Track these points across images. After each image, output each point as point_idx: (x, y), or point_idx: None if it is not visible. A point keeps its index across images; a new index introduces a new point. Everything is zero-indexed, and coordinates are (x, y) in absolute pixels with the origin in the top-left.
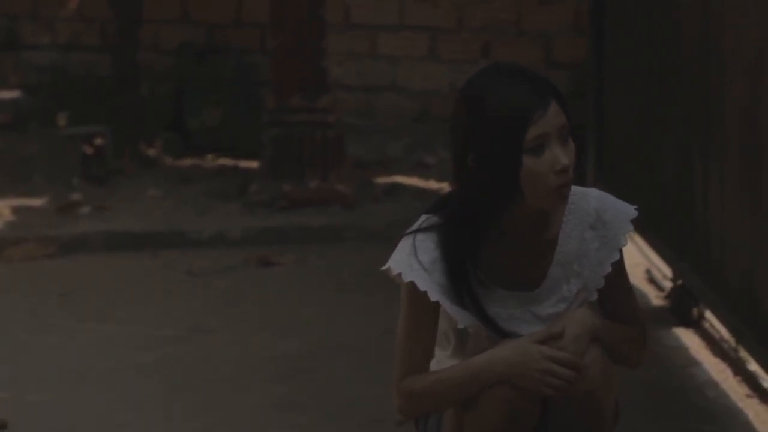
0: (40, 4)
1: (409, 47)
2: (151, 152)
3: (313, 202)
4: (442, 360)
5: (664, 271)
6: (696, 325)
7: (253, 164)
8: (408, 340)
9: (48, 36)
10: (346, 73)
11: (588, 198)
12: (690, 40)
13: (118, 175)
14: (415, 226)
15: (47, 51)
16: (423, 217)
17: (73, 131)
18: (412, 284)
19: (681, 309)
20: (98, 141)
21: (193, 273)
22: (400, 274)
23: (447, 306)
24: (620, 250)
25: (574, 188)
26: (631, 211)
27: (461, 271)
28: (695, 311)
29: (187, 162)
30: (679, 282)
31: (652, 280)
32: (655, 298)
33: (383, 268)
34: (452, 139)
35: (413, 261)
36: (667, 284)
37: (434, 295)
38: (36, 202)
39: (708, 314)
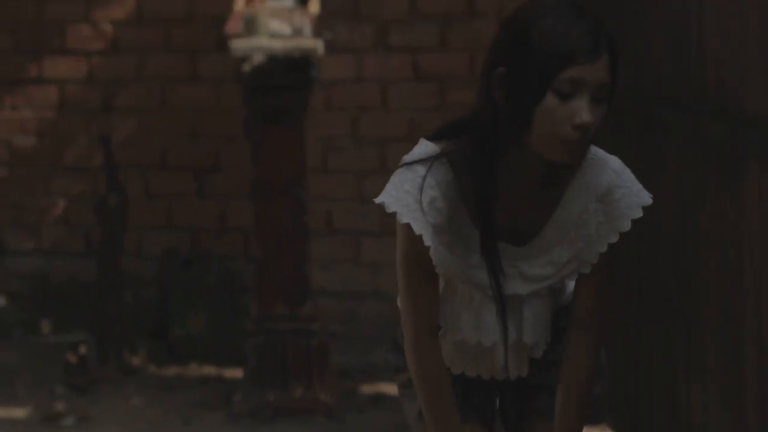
0: (24, 212)
1: (391, 253)
2: (135, 360)
3: (297, 412)
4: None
5: None
6: None
7: (238, 372)
8: (410, 288)
9: (32, 242)
10: (330, 279)
11: (605, 168)
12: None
13: (101, 383)
14: (421, 154)
15: (30, 257)
16: (426, 146)
17: (56, 339)
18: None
19: None
20: (82, 349)
21: None
22: (395, 213)
23: (434, 250)
24: (621, 235)
25: (597, 152)
26: (645, 198)
27: (490, 200)
28: None
29: (171, 370)
30: None
31: None
32: None
33: (377, 200)
34: (487, 56)
35: (411, 201)
36: None
37: (428, 240)
38: (19, 412)
39: None
